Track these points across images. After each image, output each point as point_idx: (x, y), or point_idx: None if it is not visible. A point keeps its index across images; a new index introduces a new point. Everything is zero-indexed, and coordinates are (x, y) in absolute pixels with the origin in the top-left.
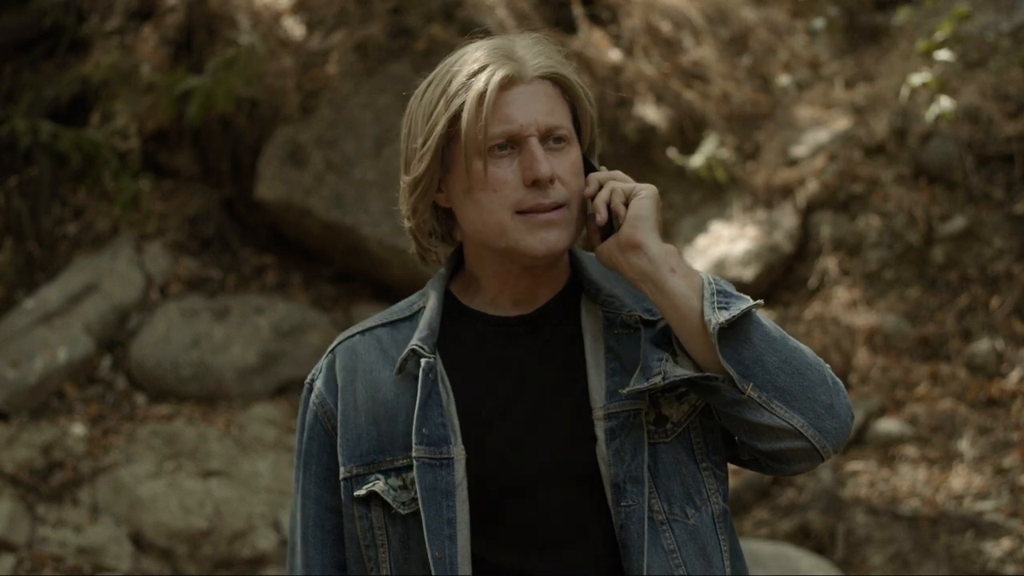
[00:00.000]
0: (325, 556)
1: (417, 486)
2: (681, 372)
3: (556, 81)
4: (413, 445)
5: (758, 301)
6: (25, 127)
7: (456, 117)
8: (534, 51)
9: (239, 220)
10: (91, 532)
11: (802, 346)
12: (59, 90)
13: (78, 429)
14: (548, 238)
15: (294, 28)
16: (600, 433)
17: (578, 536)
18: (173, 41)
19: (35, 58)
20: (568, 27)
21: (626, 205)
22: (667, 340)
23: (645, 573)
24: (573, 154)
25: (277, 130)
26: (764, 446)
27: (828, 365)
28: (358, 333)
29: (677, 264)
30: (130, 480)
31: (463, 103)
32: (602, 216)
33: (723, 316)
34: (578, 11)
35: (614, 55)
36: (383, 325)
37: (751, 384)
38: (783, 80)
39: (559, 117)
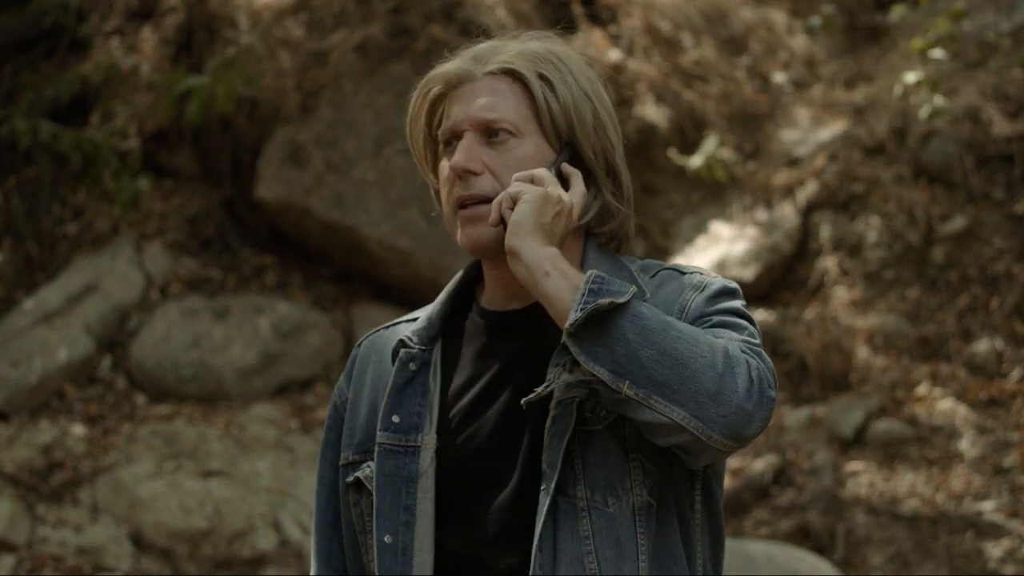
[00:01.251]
0: (333, 541)
1: (375, 471)
2: (566, 378)
3: (515, 77)
4: (378, 431)
5: (624, 298)
6: (25, 127)
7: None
8: (511, 51)
9: (239, 220)
10: (91, 532)
11: (693, 333)
12: (59, 90)
13: (78, 429)
14: (471, 232)
15: (294, 28)
16: (548, 422)
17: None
18: (173, 41)
19: (35, 58)
20: (568, 27)
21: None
22: None
23: (532, 559)
24: (520, 149)
25: (277, 130)
26: (660, 441)
27: (751, 348)
28: (382, 328)
29: (552, 267)
30: (130, 480)
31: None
32: (492, 218)
33: (572, 318)
34: (578, 11)
35: (614, 55)
36: (406, 321)
37: (627, 382)
38: (779, 77)
39: (501, 111)
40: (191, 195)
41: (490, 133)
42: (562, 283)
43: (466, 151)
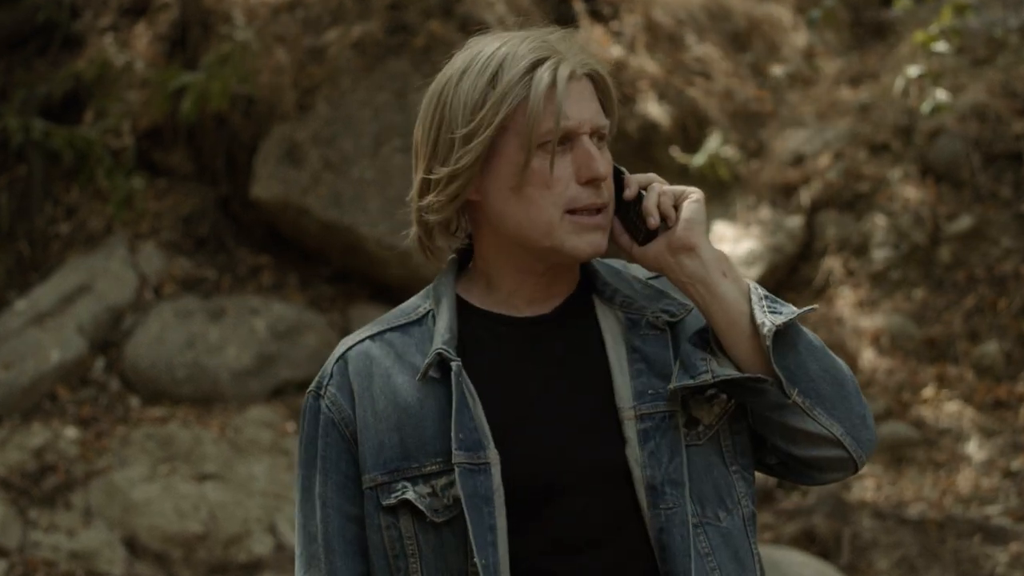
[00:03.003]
0: (350, 568)
1: (461, 493)
2: (730, 372)
3: (595, 80)
4: (453, 451)
5: (814, 306)
6: (17, 125)
7: (514, 110)
8: (574, 47)
9: (234, 219)
10: (84, 536)
11: (837, 357)
12: (52, 87)
13: (71, 432)
14: (593, 240)
15: (290, 24)
16: (632, 434)
17: (608, 537)
18: (167, 37)
19: (28, 55)
20: (569, 23)
21: (675, 207)
22: (704, 342)
23: None
24: (608, 155)
25: (273, 128)
26: (800, 452)
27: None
28: (368, 338)
29: (728, 269)
30: (124, 483)
31: (526, 96)
32: (655, 220)
33: (778, 319)
34: (579, 7)
35: (615, 52)
36: (393, 329)
37: (796, 389)
38: (777, 70)
39: (603, 116)
40: (186, 194)
41: (595, 137)
42: (735, 287)
43: (600, 157)
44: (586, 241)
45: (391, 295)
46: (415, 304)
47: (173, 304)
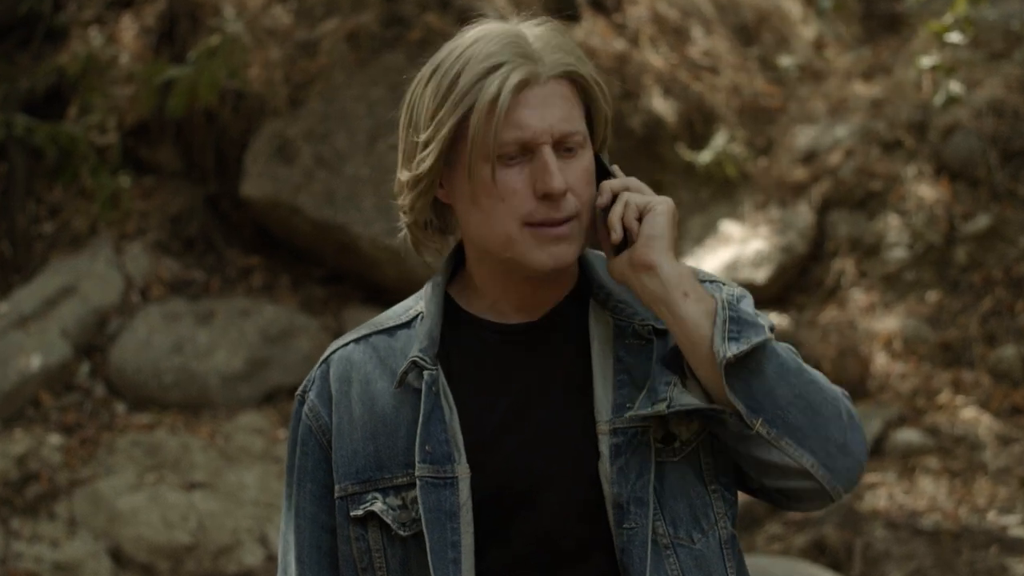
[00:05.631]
0: None
1: (420, 507)
2: (688, 401)
3: (572, 79)
4: (416, 463)
5: (771, 335)
6: None
7: (465, 118)
8: (551, 45)
9: (224, 219)
10: (68, 547)
11: (819, 377)
12: (34, 81)
13: (54, 439)
14: (557, 252)
15: (282, 16)
16: (604, 449)
17: (579, 556)
18: (154, 30)
19: (9, 48)
20: (570, 15)
21: (639, 219)
22: (678, 361)
23: None
24: (586, 159)
25: (264, 124)
26: (771, 483)
27: (845, 394)
28: (352, 341)
29: (691, 288)
30: (109, 492)
31: (473, 105)
32: (617, 235)
33: (732, 349)
34: None
35: (619, 45)
36: (379, 332)
37: (760, 419)
38: (785, 61)
39: (574, 122)
40: (173, 192)
41: (563, 146)
42: (698, 307)
43: (558, 170)
44: (548, 253)
45: (386, 297)
46: (407, 306)
47: (160, 307)
